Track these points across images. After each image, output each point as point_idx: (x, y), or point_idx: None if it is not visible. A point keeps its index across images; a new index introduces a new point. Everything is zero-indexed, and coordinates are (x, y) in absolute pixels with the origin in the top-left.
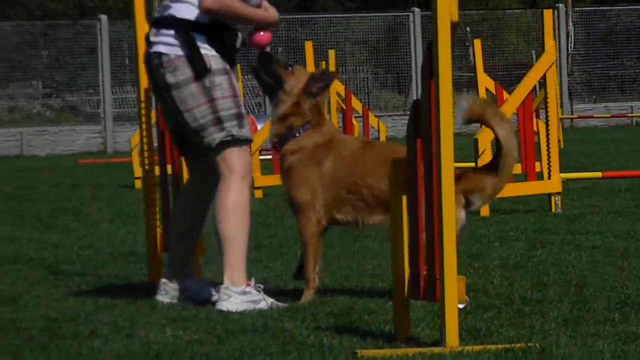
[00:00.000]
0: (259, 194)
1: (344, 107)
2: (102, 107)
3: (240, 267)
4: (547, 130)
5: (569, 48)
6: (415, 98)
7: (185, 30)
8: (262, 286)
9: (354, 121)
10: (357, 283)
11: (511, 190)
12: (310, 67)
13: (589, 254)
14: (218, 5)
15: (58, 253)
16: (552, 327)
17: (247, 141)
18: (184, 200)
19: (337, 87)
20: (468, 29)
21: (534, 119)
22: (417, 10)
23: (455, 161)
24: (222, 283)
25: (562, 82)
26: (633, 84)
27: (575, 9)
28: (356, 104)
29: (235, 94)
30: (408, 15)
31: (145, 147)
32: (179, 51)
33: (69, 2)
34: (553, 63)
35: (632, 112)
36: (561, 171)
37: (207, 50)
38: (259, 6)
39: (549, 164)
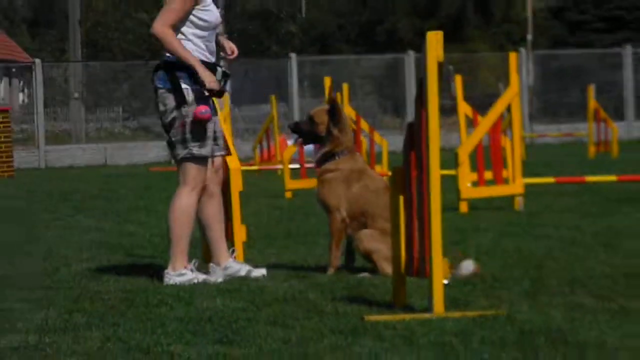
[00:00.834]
0: (288, 195)
1: (355, 127)
2: None
3: (182, 256)
4: (512, 145)
5: (529, 82)
6: (409, 121)
7: (171, 69)
8: (197, 263)
9: (362, 138)
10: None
11: (484, 192)
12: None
13: (544, 242)
14: (161, 35)
15: (133, 240)
16: (516, 298)
17: (205, 159)
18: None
19: (349, 112)
20: (451, 67)
21: (502, 137)
22: (411, 52)
23: (441, 169)
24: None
25: (524, 109)
26: (579, 110)
27: (534, 52)
28: (364, 125)
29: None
30: (404, 57)
31: None
32: (167, 85)
33: (142, 46)
34: (517, 93)
35: (578, 132)
36: (523, 177)
37: (188, 85)
38: (215, 35)
39: (513, 171)
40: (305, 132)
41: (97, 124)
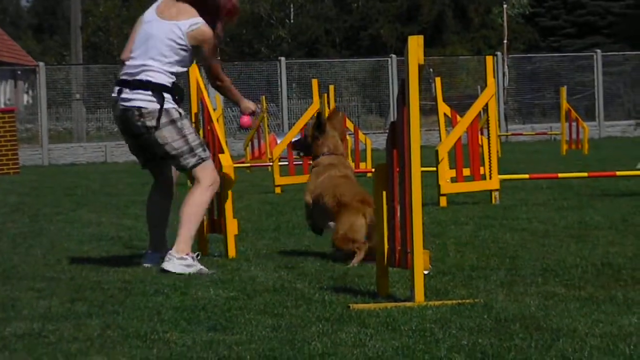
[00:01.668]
0: (278, 190)
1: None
2: None
3: (186, 241)
4: (489, 143)
5: (505, 84)
6: (392, 120)
7: (160, 91)
8: (199, 255)
9: (347, 137)
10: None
11: (462, 187)
12: (316, 97)
13: (519, 234)
14: (228, 81)
15: (131, 233)
16: (493, 287)
17: (208, 158)
18: (153, 197)
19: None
20: (431, 69)
21: (479, 136)
22: (394, 56)
23: (422, 166)
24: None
25: (500, 109)
26: (551, 110)
27: (510, 55)
28: (349, 125)
29: (195, 129)
30: (387, 60)
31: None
32: (156, 105)
33: None
34: (493, 95)
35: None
36: (499, 174)
37: (171, 104)
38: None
39: (490, 168)
40: (301, 145)
41: (97, 123)
